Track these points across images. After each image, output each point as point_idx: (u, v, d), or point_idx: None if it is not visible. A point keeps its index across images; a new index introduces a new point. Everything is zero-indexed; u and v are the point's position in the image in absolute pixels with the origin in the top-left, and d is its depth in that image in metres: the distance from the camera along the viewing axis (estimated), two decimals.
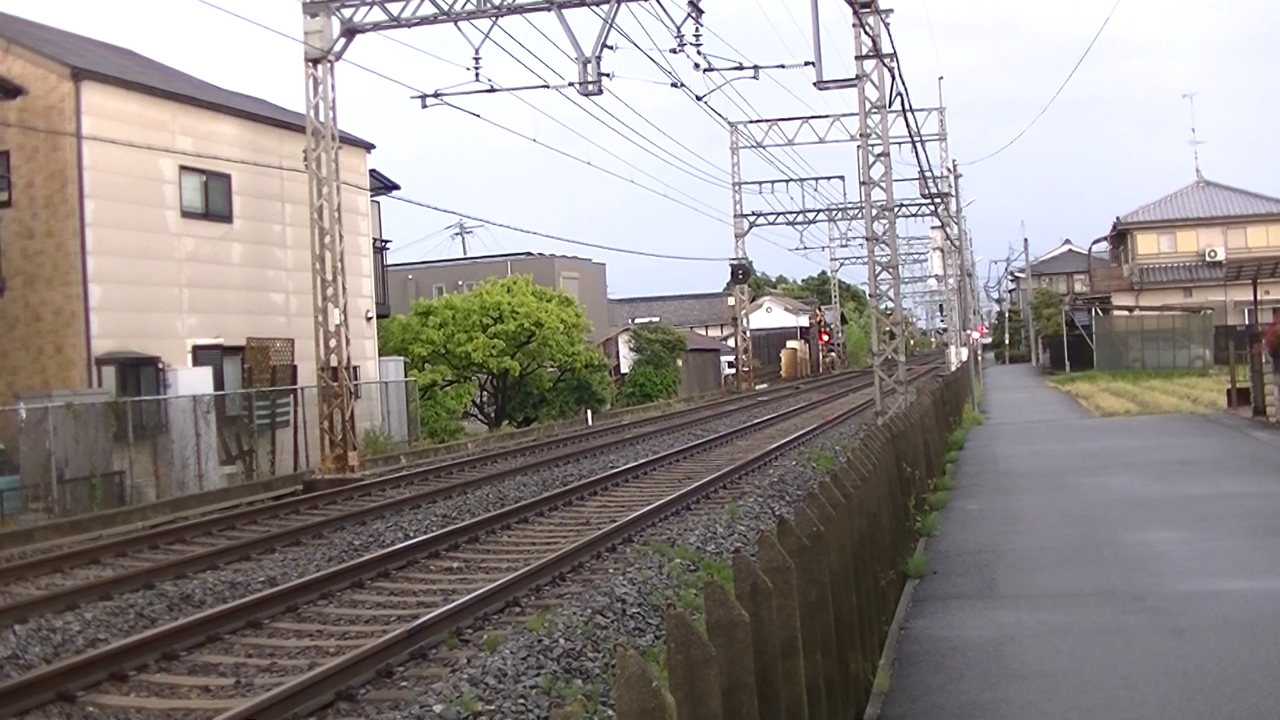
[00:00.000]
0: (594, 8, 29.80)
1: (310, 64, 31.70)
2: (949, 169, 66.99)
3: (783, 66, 40.90)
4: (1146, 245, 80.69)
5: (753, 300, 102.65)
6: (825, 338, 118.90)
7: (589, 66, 29.59)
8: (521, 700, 10.75)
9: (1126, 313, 75.00)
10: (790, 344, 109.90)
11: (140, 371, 30.79)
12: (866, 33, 32.10)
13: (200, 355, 33.26)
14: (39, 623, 15.00)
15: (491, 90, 32.84)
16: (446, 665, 12.50)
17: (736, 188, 76.38)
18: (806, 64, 34.90)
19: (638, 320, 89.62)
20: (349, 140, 37.72)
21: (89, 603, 16.32)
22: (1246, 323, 64.00)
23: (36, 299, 30.36)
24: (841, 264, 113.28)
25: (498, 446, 41.16)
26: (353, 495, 28.21)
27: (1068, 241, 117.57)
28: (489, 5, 30.25)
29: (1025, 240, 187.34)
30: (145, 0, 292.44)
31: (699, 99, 37.98)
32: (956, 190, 64.76)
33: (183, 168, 33.36)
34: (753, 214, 77.47)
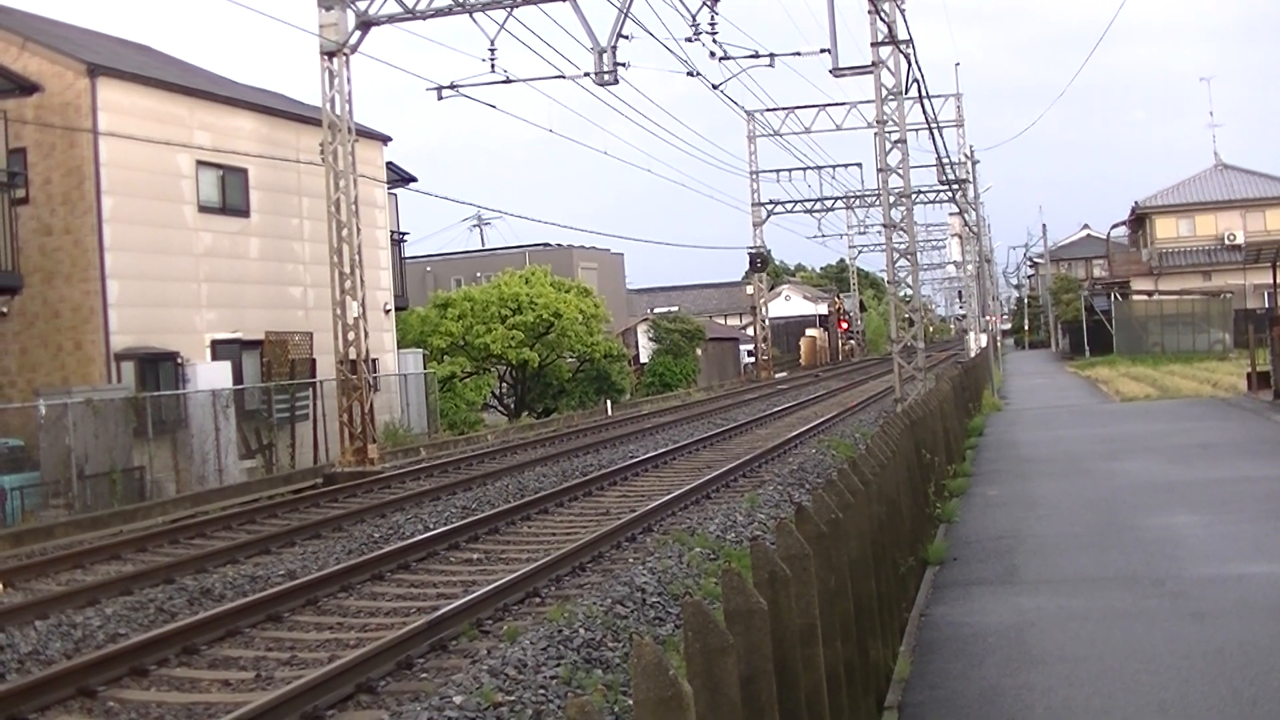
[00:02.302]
0: None
1: (326, 57, 31.70)
2: (966, 155, 66.87)
3: (799, 54, 40.92)
4: (1165, 229, 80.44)
5: (771, 289, 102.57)
6: (844, 325, 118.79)
7: (605, 56, 29.61)
8: (542, 691, 10.75)
9: (1146, 297, 74.80)
10: (809, 332, 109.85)
11: (159, 367, 30.85)
12: (882, 19, 32.02)
13: (219, 350, 33.31)
14: (60, 618, 15.04)
15: (507, 81, 32.86)
16: (466, 656, 12.50)
17: (754, 176, 76.28)
18: (822, 51, 34.92)
19: (656, 310, 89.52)
20: (365, 133, 37.73)
21: (109, 598, 16.36)
22: (1266, 306, 63.89)
23: (55, 295, 30.43)
24: (860, 251, 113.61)
25: (517, 438, 41.18)
26: (372, 488, 28.25)
27: (1086, 226, 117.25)
28: None
29: (1044, 226, 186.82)
30: None
31: (715, 87, 38.01)
32: (974, 176, 64.65)
33: (200, 162, 33.40)
34: (770, 202, 77.43)
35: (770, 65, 39.56)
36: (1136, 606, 10.74)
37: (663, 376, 69.18)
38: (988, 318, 70.31)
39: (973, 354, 58.86)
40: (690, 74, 35.43)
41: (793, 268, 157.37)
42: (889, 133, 33.73)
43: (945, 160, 49.26)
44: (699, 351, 73.97)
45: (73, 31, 36.67)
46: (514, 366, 53.31)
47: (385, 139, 42.09)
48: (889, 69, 33.10)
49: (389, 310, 41.47)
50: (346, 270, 31.93)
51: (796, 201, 77.95)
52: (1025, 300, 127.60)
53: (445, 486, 26.82)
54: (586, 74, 30.68)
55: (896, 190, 34.67)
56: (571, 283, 56.95)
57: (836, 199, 79.95)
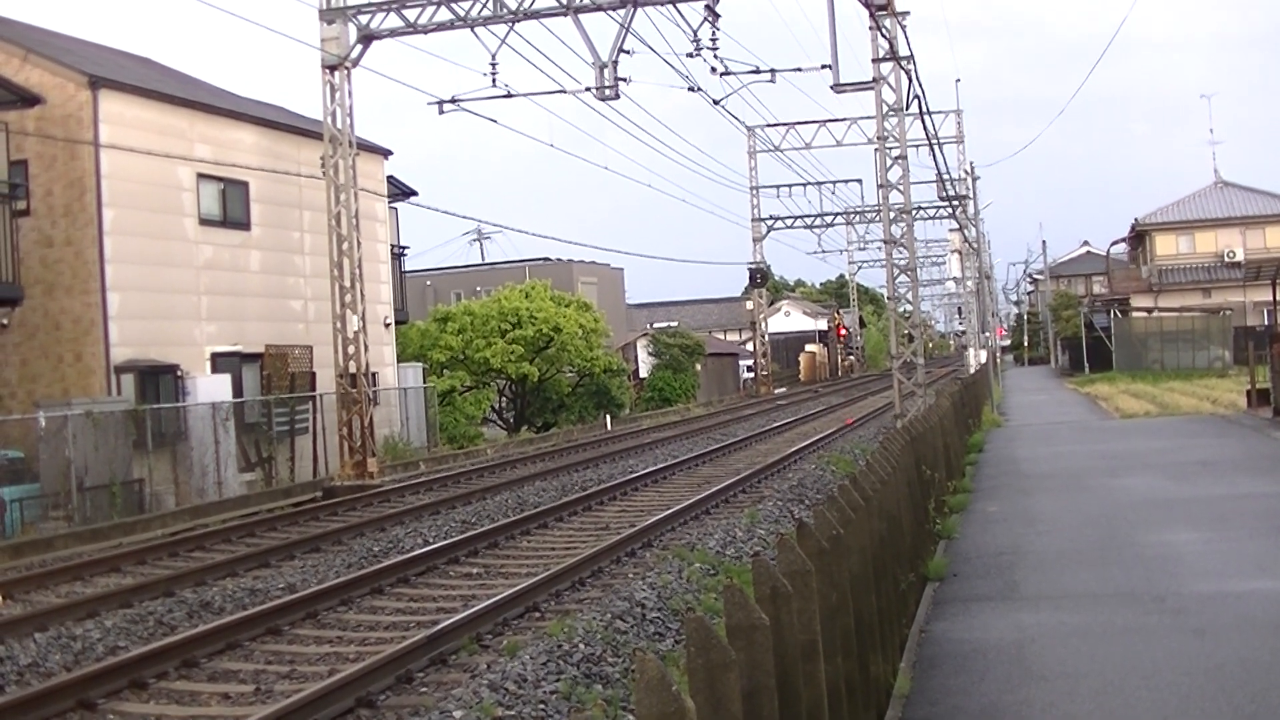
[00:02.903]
0: (610, 12, 29.82)
1: (327, 70, 31.75)
2: (966, 171, 66.90)
3: (799, 70, 40.92)
4: (1165, 246, 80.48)
5: (771, 304, 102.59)
6: (843, 339, 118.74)
7: (605, 71, 29.62)
8: (541, 706, 10.74)
9: (1145, 314, 74.80)
10: (809, 348, 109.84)
11: (159, 379, 30.82)
12: (883, 35, 32.06)
13: (219, 363, 33.28)
14: (59, 630, 15.03)
15: (508, 96, 32.90)
16: (466, 671, 12.48)
17: (754, 191, 76.34)
18: (823, 67, 34.90)
19: (656, 324, 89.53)
20: (366, 146, 37.75)
21: (109, 610, 16.34)
22: (1266, 323, 63.89)
23: (56, 307, 30.42)
24: (859, 267, 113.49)
25: (517, 452, 41.17)
26: (372, 501, 28.24)
27: (1086, 243, 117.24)
28: (505, 11, 30.30)
29: (1043, 242, 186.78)
30: (163, 8, 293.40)
31: (716, 103, 38.00)
32: (974, 192, 64.64)
33: (201, 175, 33.40)
34: (770, 218, 77.48)
35: (771, 81, 39.55)
36: (1137, 623, 10.74)
37: (662, 391, 69.17)
38: (987, 334, 70.24)
39: (972, 370, 58.85)
40: (691, 89, 35.45)
41: (792, 283, 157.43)
42: (889, 148, 33.77)
43: (945, 176, 49.29)
44: (698, 366, 73.94)
45: (74, 44, 36.72)
46: (513, 381, 53.30)
47: (386, 153, 42.12)
48: (890, 85, 33.15)
49: (389, 324, 41.47)
50: (347, 284, 31.95)
51: (797, 217, 78.02)
52: (1025, 317, 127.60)
53: (445, 501, 26.81)
54: (587, 88, 30.71)
55: (897, 206, 34.69)
56: (571, 297, 56.95)
57: (837, 214, 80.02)
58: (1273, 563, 13.18)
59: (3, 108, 29.14)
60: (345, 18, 31.37)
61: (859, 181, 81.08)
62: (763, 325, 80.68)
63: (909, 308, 36.11)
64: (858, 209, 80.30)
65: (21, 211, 30.04)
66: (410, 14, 30.86)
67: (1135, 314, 75.64)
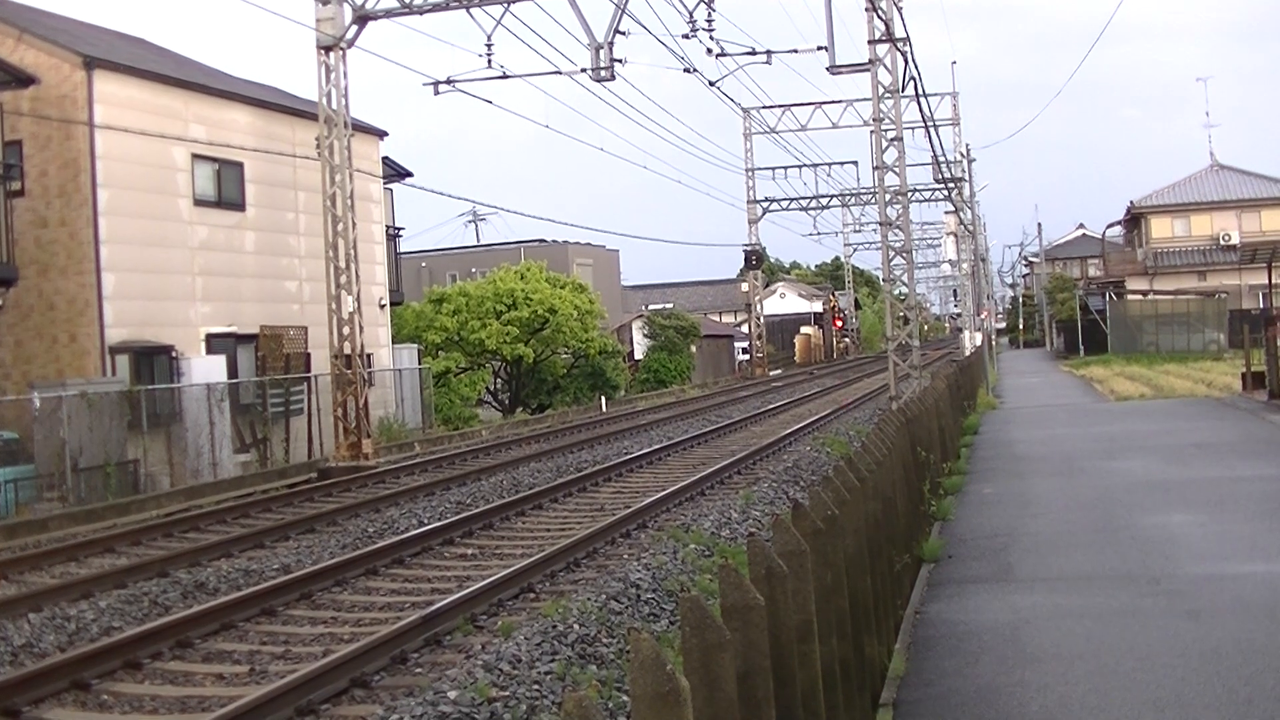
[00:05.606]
0: None
1: (322, 51, 31.63)
2: (962, 154, 66.85)
3: (795, 51, 40.94)
4: (1160, 229, 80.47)
5: (766, 286, 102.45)
6: (839, 323, 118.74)
7: (601, 52, 29.54)
8: (536, 686, 10.73)
9: (1141, 297, 74.85)
10: (804, 330, 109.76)
11: (154, 360, 30.82)
12: (879, 17, 31.99)
13: (214, 343, 33.28)
14: (54, 611, 15.01)
15: (504, 77, 32.87)
16: (461, 651, 12.48)
17: (750, 173, 76.19)
18: (819, 49, 34.90)
19: (651, 306, 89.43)
20: (361, 127, 37.67)
21: (103, 591, 16.33)
22: (1261, 306, 63.88)
23: (50, 288, 30.39)
24: (855, 249, 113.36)
25: (512, 433, 41.15)
26: (367, 482, 28.21)
27: (1081, 226, 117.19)
28: None
29: (1039, 225, 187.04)
30: None
31: (712, 84, 37.97)
32: (970, 175, 64.62)
33: (195, 156, 33.36)
34: (766, 199, 77.33)
35: (767, 62, 39.58)
36: (1132, 605, 10.74)
37: (657, 373, 69.17)
38: (982, 316, 70.22)
39: (968, 352, 58.87)
40: (687, 70, 35.40)
41: (788, 265, 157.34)
42: (885, 131, 33.70)
43: (941, 159, 49.24)
44: (694, 348, 73.95)
45: (69, 24, 36.62)
46: (509, 362, 53.30)
47: (381, 134, 42.06)
48: (886, 67, 33.07)
49: (384, 305, 41.45)
50: (342, 265, 31.88)
51: (792, 199, 77.86)
52: (1020, 299, 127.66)
53: (440, 482, 26.78)
54: (583, 70, 30.64)
55: (892, 188, 34.63)
56: (567, 279, 56.93)
57: (832, 197, 79.87)
58: (1268, 545, 13.19)
59: None
60: None
61: (855, 163, 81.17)
62: (758, 307, 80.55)
63: (904, 290, 36.04)
64: (853, 191, 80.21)
65: (16, 192, 30.00)
66: None
67: (1131, 297, 75.69)
